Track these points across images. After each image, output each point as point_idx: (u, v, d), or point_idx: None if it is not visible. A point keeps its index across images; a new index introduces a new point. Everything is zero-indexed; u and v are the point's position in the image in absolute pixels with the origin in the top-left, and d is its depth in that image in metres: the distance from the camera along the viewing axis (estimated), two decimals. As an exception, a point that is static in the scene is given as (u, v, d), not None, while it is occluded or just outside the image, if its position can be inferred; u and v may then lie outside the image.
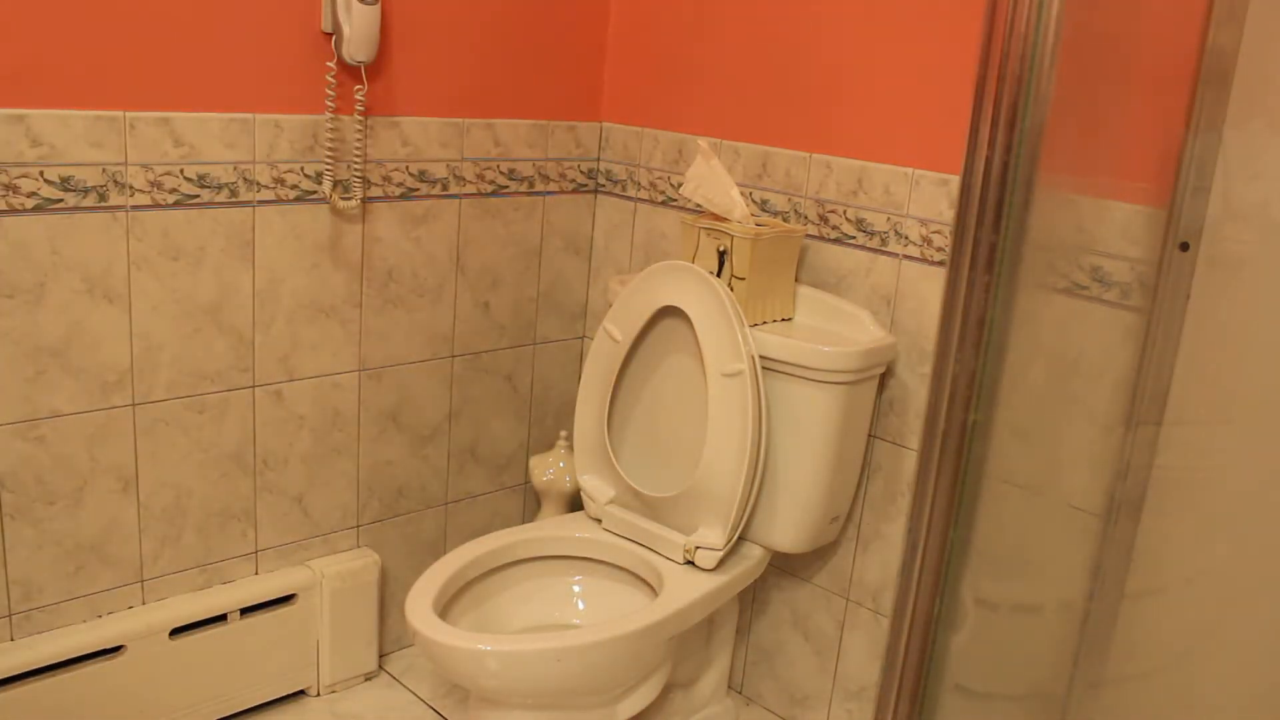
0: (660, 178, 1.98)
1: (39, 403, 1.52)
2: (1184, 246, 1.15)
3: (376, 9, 1.65)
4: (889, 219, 1.66)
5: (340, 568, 1.87)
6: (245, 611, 1.76)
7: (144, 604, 1.69)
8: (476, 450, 2.08)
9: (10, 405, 1.50)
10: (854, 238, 1.70)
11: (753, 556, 1.72)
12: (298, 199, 1.70)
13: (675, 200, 1.96)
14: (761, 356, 1.61)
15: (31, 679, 1.56)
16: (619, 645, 1.50)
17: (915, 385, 1.67)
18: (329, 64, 1.67)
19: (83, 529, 1.60)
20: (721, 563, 1.66)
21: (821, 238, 1.75)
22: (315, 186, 1.71)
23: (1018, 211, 0.85)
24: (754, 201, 1.82)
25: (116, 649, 1.63)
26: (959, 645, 1.03)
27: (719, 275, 1.65)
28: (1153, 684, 1.28)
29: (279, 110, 1.65)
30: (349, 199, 1.74)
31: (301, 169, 1.69)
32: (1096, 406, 1.26)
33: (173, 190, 1.57)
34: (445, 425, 2.00)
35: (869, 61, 1.67)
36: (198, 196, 1.60)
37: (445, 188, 1.87)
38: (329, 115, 1.68)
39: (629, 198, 2.05)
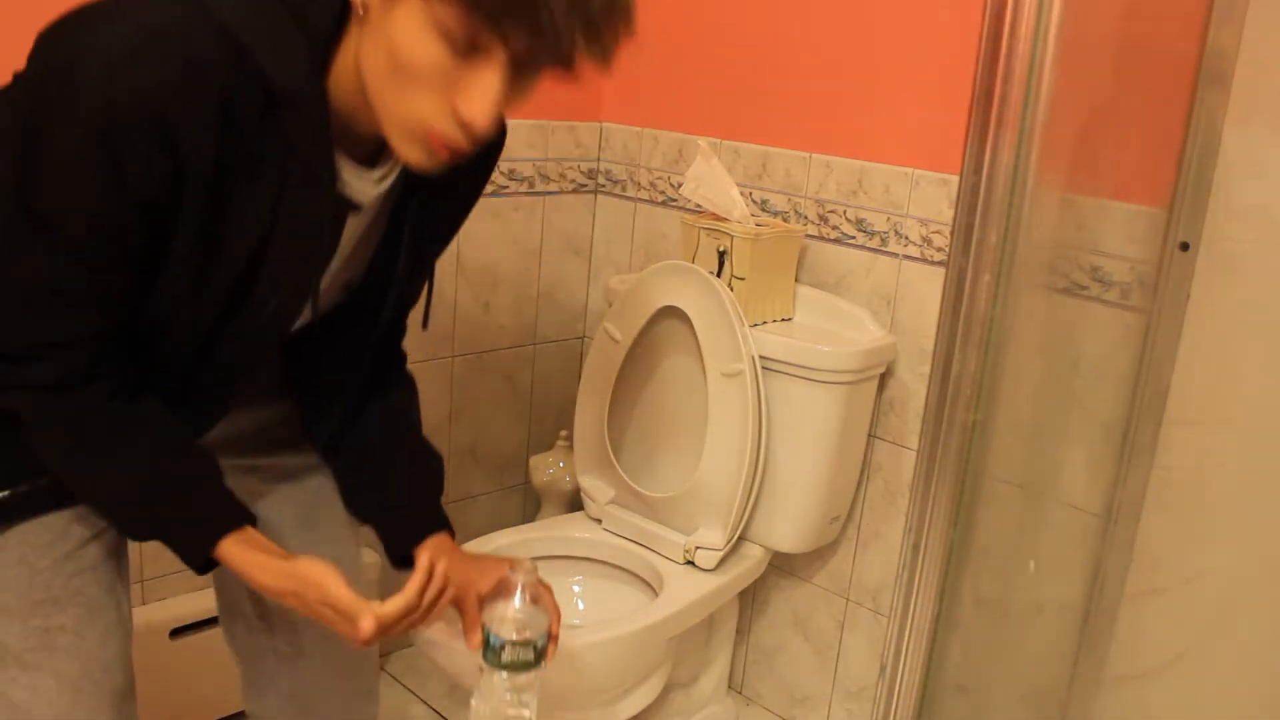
0: (660, 178, 1.98)
1: (39, 403, 1.52)
2: (1184, 246, 1.15)
3: (376, 9, 1.64)
4: (889, 219, 1.66)
5: (340, 568, 1.86)
6: (245, 611, 1.76)
7: (144, 604, 1.69)
8: (476, 450, 2.08)
9: (10, 405, 1.50)
10: (854, 238, 1.70)
11: (753, 556, 1.72)
12: (298, 199, 1.70)
13: (675, 200, 1.96)
14: (761, 356, 1.61)
15: (31, 679, 1.56)
16: (619, 645, 1.50)
17: (915, 385, 1.67)
18: (329, 64, 1.67)
19: (83, 529, 1.60)
20: (721, 563, 1.66)
21: (821, 238, 1.75)
22: (315, 186, 1.71)
23: (1018, 211, 0.85)
24: (754, 201, 1.82)
25: (116, 649, 1.63)
26: (959, 645, 1.03)
27: (719, 275, 1.65)
28: (1153, 684, 1.28)
29: (279, 110, 1.65)
30: (349, 199, 1.74)
31: (301, 169, 1.69)
32: (1096, 406, 1.26)
33: (173, 190, 1.57)
34: (445, 425, 2.00)
35: (869, 61, 1.67)
36: (198, 196, 1.60)
37: (445, 188, 1.87)
38: (329, 115, 1.68)
39: (629, 198, 2.05)
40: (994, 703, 1.28)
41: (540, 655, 1.06)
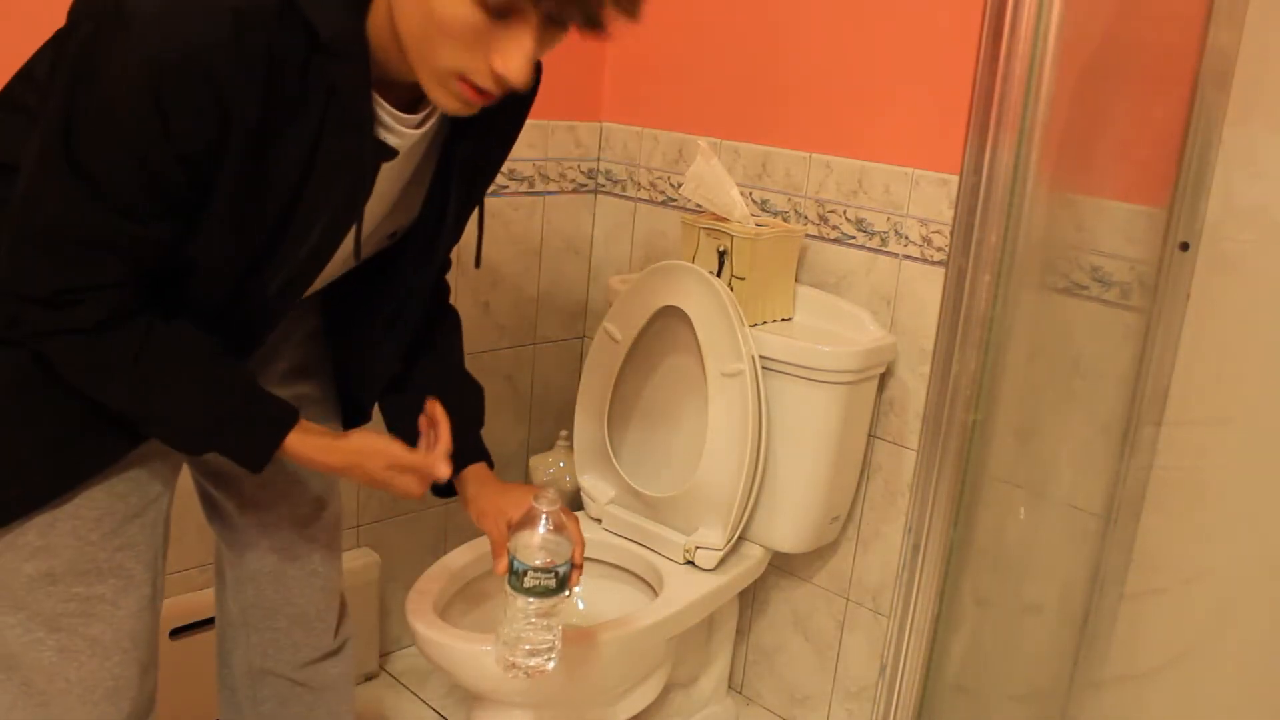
0: (660, 178, 1.98)
1: (39, 403, 1.52)
2: (1184, 246, 1.15)
3: (376, 9, 1.64)
4: (889, 219, 1.66)
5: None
6: (245, 611, 1.76)
7: (144, 604, 1.69)
8: (476, 450, 2.08)
9: (10, 405, 1.50)
10: (854, 238, 1.70)
11: (753, 556, 1.72)
12: (298, 199, 1.70)
13: (675, 200, 1.96)
14: (761, 356, 1.61)
15: (31, 679, 1.56)
16: (619, 645, 1.50)
17: (915, 385, 1.67)
18: (329, 64, 1.67)
19: (83, 529, 1.60)
20: (721, 562, 1.66)
21: (821, 238, 1.75)
22: (315, 186, 1.71)
23: (1018, 211, 0.85)
24: (754, 201, 1.82)
25: (116, 649, 1.63)
26: (959, 645, 1.03)
27: (719, 275, 1.65)
28: (1153, 684, 1.28)
29: (279, 110, 1.65)
30: (349, 199, 1.74)
31: (301, 169, 1.69)
32: (1096, 406, 1.26)
33: (173, 190, 1.57)
34: (445, 425, 2.00)
35: (869, 61, 1.67)
36: (198, 196, 1.60)
37: (445, 188, 1.87)
38: (329, 115, 1.68)
39: (629, 198, 2.05)
40: (994, 703, 1.28)
41: (563, 583, 1.09)
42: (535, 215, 2.02)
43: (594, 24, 0.84)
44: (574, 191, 2.07)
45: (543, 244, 2.05)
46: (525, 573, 1.07)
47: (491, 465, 1.20)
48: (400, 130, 0.95)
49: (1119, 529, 1.24)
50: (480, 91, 0.87)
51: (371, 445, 1.04)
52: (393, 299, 1.13)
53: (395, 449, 1.04)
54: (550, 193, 2.03)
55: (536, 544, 1.08)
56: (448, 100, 0.88)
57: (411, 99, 0.96)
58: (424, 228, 1.08)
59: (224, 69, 0.80)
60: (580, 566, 1.11)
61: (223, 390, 0.99)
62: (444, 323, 1.24)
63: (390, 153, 0.95)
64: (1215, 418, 1.21)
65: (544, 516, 1.09)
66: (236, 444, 1.02)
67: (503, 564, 1.10)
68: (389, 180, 1.00)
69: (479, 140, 1.04)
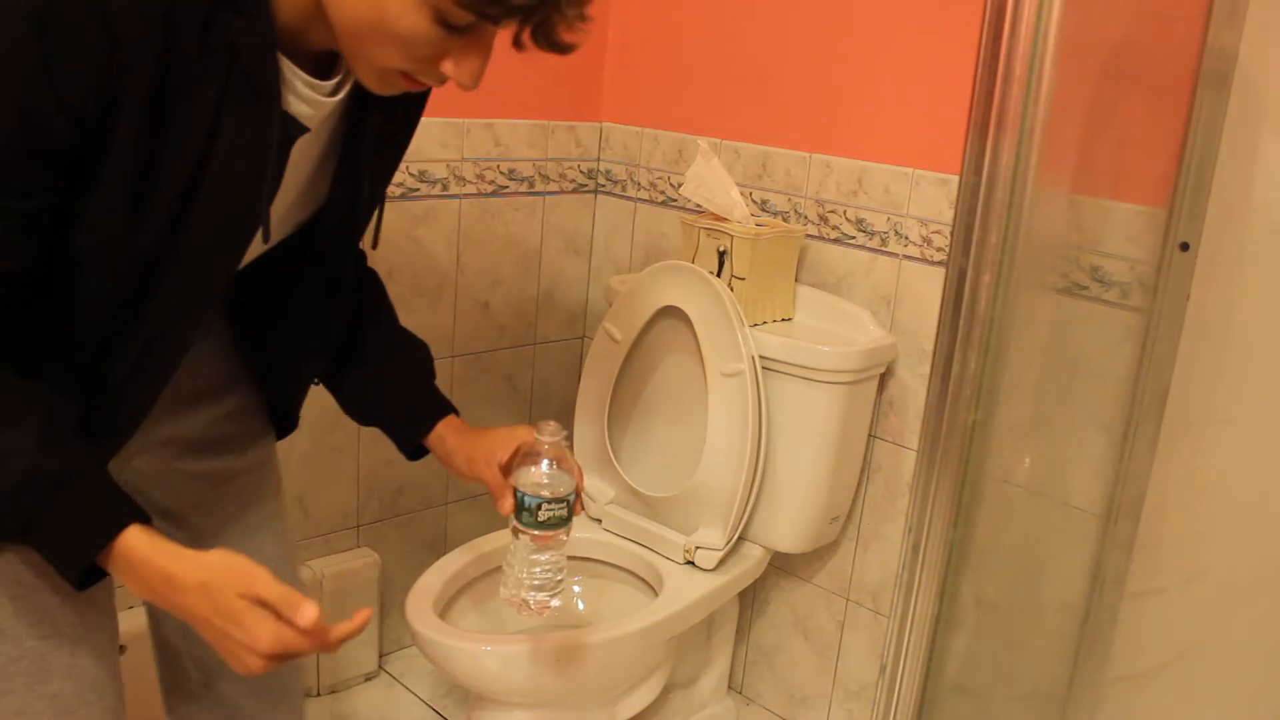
0: (660, 178, 1.98)
1: (39, 403, 1.52)
2: (1184, 246, 1.15)
3: (376, 9, 1.64)
4: (889, 219, 1.66)
5: (340, 568, 1.86)
6: (245, 611, 1.76)
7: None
8: (476, 450, 2.07)
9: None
10: (854, 238, 1.70)
11: (753, 556, 1.72)
12: (298, 199, 1.70)
13: (675, 200, 1.96)
14: (761, 356, 1.61)
15: (31, 679, 1.55)
16: (619, 645, 1.50)
17: (915, 385, 1.67)
18: (329, 64, 1.67)
19: (83, 529, 1.60)
20: (721, 563, 1.66)
21: (821, 238, 1.75)
22: (315, 186, 1.71)
23: (1018, 211, 0.85)
24: (754, 201, 1.82)
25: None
26: (959, 645, 1.03)
27: (719, 275, 1.65)
28: (1153, 684, 1.28)
29: (279, 110, 1.65)
30: (349, 199, 1.74)
31: (301, 169, 1.69)
32: (1096, 406, 1.26)
33: (173, 190, 1.57)
34: (445, 425, 2.00)
35: (869, 62, 1.67)
36: (198, 196, 1.59)
37: (445, 188, 1.87)
38: (329, 115, 1.68)
39: (629, 198, 2.05)
40: (994, 703, 1.28)
41: (570, 512, 1.11)
42: (535, 215, 2.02)
43: (556, 48, 0.81)
44: (574, 191, 2.07)
45: (543, 244, 2.05)
46: (539, 506, 1.08)
47: (458, 413, 1.16)
48: (313, 98, 0.87)
49: (1119, 529, 1.24)
50: (420, 84, 0.85)
51: (235, 564, 0.83)
52: (309, 296, 1.04)
53: (261, 576, 0.82)
54: (550, 193, 2.03)
55: (544, 478, 1.09)
56: (381, 87, 0.85)
57: (325, 64, 0.89)
58: (334, 212, 0.99)
59: (117, 8, 0.73)
60: (580, 496, 1.12)
61: (54, 460, 0.81)
62: (371, 289, 1.17)
63: (300, 128, 0.87)
64: (1215, 418, 1.21)
65: (547, 449, 1.10)
66: (57, 533, 0.83)
67: (508, 503, 1.08)
68: (302, 159, 0.92)
69: (388, 115, 0.97)
